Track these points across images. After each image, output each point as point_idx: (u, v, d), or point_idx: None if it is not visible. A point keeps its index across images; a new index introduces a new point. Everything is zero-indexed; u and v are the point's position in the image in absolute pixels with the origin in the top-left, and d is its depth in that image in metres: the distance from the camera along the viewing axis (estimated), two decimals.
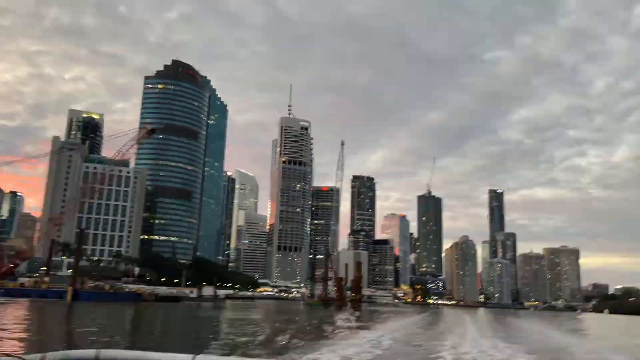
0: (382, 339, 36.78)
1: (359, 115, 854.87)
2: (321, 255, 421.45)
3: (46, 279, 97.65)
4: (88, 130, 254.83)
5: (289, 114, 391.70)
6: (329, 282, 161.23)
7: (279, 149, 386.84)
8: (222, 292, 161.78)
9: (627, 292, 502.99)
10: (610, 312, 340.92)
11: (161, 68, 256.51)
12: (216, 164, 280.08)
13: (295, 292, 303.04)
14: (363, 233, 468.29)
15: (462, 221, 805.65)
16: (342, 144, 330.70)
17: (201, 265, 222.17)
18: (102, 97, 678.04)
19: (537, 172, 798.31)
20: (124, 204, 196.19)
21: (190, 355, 2.78)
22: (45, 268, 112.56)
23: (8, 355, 2.71)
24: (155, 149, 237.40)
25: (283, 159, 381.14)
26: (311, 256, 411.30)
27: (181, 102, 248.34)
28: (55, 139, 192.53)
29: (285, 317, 78.16)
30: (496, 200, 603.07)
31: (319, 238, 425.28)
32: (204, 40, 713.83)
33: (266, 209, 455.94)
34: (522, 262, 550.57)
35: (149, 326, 55.19)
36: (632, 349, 48.27)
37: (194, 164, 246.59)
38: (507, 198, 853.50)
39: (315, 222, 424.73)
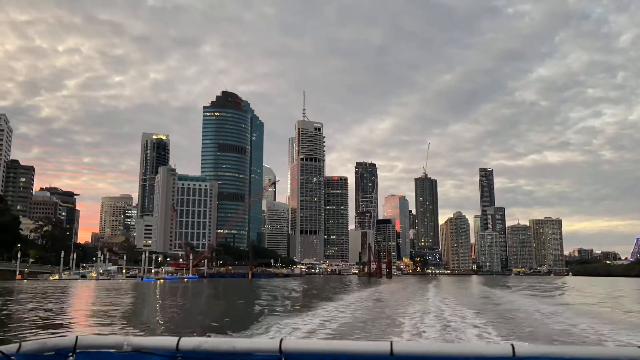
0: (406, 284, 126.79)
1: (367, 81, 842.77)
2: (334, 235, 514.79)
3: (230, 267, 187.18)
4: (160, 148, 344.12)
5: (304, 117, 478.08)
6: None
7: (296, 148, 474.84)
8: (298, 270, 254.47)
9: (604, 256, 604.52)
10: (574, 275, 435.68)
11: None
12: (258, 170, 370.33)
13: (318, 268, 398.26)
14: (368, 214, 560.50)
15: (468, 189, 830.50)
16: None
17: (257, 250, 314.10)
18: (98, 71, 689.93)
19: (549, 135, 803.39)
20: (205, 208, 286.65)
21: (277, 339, 2.95)
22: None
23: None
24: (215, 163, 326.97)
25: (301, 157, 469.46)
26: (325, 237, 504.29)
27: (231, 126, 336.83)
28: (163, 168, 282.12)
29: (350, 281, 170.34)
30: (486, 178, 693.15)
31: (331, 221, 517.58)
32: (206, 1, 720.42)
33: (282, 196, 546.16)
34: (511, 233, 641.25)
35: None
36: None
37: (243, 172, 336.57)
38: (515, 164, 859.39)
39: (327, 207, 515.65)
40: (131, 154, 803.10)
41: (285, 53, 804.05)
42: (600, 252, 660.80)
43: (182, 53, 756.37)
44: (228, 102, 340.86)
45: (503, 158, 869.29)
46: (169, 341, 3.05)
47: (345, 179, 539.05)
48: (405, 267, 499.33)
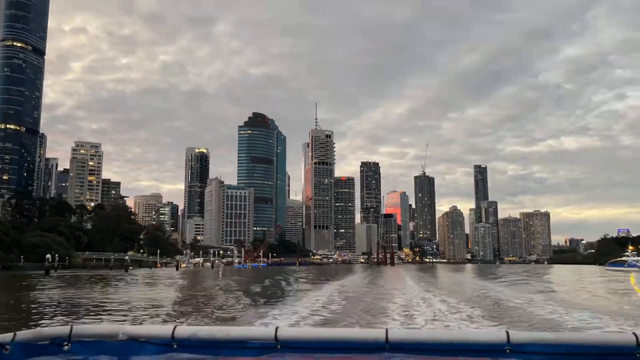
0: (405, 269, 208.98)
1: (387, 63, 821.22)
2: (342, 229, 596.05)
3: (282, 258, 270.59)
4: (202, 160, 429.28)
5: (316, 126, 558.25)
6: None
7: (310, 154, 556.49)
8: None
9: (589, 246, 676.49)
10: (549, 263, 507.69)
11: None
12: (282, 177, 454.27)
13: (330, 259, 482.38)
14: (372, 209, 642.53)
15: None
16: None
17: (284, 244, 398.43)
18: (104, 52, 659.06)
19: (569, 120, 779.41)
20: (244, 211, 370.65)
21: (273, 327, 3.03)
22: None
23: None
24: (248, 173, 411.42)
25: (314, 161, 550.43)
26: (335, 230, 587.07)
27: (261, 141, 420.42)
28: (216, 180, 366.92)
29: (365, 268, 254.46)
30: (480, 175, 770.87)
31: (340, 216, 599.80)
32: None
33: (295, 193, 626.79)
34: (503, 225, 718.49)
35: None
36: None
37: (271, 180, 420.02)
38: (530, 150, 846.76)
39: (337, 204, 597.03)
40: (136, 142, 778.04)
41: (302, 32, 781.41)
42: (585, 241, 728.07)
43: (194, 33, 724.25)
44: (258, 122, 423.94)
45: (519, 144, 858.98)
46: (164, 330, 3.15)
47: (353, 179, 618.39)
48: (405, 257, 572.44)
